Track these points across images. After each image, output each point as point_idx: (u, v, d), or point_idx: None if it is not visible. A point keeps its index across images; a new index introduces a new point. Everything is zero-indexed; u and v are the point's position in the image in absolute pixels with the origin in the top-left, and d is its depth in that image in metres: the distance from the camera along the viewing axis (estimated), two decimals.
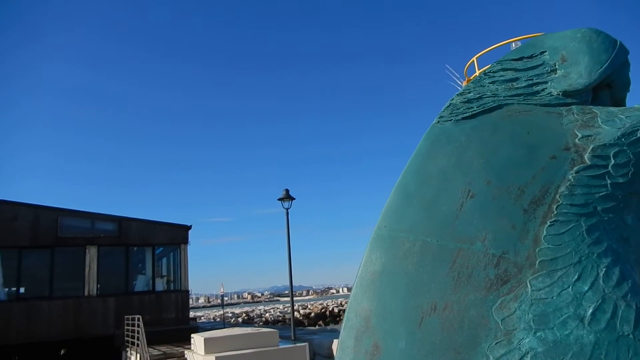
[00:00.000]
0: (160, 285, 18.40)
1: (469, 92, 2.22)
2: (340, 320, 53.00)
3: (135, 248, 18.34)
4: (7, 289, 16.44)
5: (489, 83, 2.24)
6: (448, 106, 2.21)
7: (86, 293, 16.75)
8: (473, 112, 2.14)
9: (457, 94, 2.22)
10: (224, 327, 18.85)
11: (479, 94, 2.19)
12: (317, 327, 43.24)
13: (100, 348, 16.30)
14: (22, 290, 16.80)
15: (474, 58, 8.26)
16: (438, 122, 2.18)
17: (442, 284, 1.81)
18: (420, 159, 2.11)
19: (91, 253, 17.16)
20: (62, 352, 16.83)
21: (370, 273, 1.94)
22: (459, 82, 8.83)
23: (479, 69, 8.38)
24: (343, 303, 67.37)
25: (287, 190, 17.14)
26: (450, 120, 2.16)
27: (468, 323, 1.72)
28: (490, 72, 2.29)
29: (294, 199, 17.26)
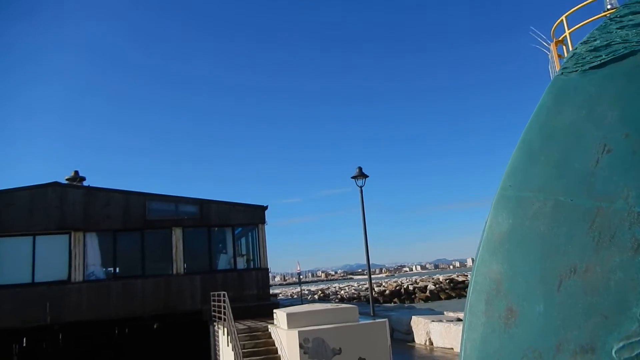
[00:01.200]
0: (241, 263, 19.16)
1: (595, 40, 2.01)
2: (416, 297, 52.64)
3: (216, 229, 19.17)
4: (105, 269, 17.84)
5: (617, 29, 2.01)
6: (572, 56, 2.02)
7: (174, 272, 17.83)
8: (602, 61, 1.94)
9: (581, 42, 2.02)
10: (302, 304, 19.34)
11: (607, 40, 1.98)
12: (392, 304, 43.25)
13: (189, 322, 17.34)
14: (118, 270, 18.18)
15: (563, 17, 7.64)
16: (562, 73, 2.00)
17: (581, 245, 1.68)
18: (544, 113, 1.96)
19: (177, 234, 18.17)
20: (155, 326, 18.07)
21: (498, 234, 1.84)
22: (546, 45, 8.22)
23: (568, 29, 7.74)
24: (418, 281, 66.78)
25: (360, 168, 17.08)
26: (576, 70, 1.97)
27: (615, 286, 1.59)
28: (616, 17, 2.05)
29: (367, 176, 17.17)
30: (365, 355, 11.89)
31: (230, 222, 19.11)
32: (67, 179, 19.69)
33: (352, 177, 17.11)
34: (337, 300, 48.25)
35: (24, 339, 18.53)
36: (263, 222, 19.45)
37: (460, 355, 1.84)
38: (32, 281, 16.40)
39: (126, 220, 17.83)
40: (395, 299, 50.55)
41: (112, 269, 18.11)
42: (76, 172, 20.16)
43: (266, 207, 19.66)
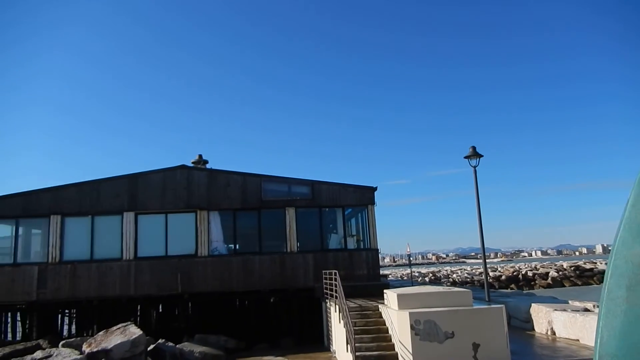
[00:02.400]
0: (351, 243, 19.45)
1: None
2: (536, 284, 49.35)
3: (327, 209, 19.63)
4: (226, 245, 19.25)
5: None
6: None
7: (288, 250, 18.67)
8: None
9: None
10: (412, 286, 19.13)
11: None
12: (509, 290, 41.03)
13: (303, 298, 18.10)
14: (237, 246, 19.51)
15: None
16: None
17: None
18: None
19: (290, 214, 18.95)
20: (272, 299, 19.15)
21: None
22: None
23: None
24: (538, 267, 62.45)
25: (473, 148, 16.27)
26: None
27: None
28: None
29: (482, 156, 16.30)
30: (480, 341, 11.45)
31: (340, 202, 19.44)
32: (192, 162, 21.45)
33: (465, 157, 16.35)
34: (448, 283, 47.01)
35: (160, 305, 20.82)
36: (372, 203, 19.49)
37: (596, 345, 1.66)
38: (166, 254, 18.28)
39: (244, 200, 19.00)
40: (512, 285, 47.86)
41: (232, 245, 19.48)
42: (200, 156, 21.87)
43: (375, 188, 19.65)
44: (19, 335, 20.11)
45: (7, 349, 15.69)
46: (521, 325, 16.87)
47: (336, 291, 14.01)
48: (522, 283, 49.26)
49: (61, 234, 18.22)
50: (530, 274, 52.80)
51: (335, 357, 14.55)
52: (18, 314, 20.31)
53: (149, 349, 14.66)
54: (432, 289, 13.99)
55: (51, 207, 18.41)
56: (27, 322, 20.00)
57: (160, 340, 15.61)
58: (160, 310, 21.26)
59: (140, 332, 13.91)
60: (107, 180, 19.03)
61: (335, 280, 14.06)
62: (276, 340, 17.75)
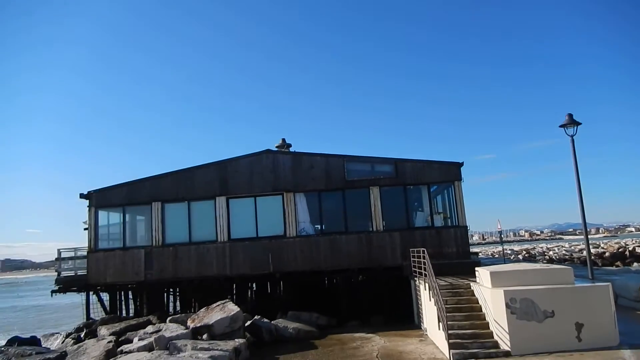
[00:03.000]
0: (438, 221, 19.02)
1: None
2: None
3: (412, 187, 19.31)
4: (313, 226, 19.66)
5: None
6: None
7: (374, 228, 18.68)
8: None
9: None
10: (505, 263, 18.36)
11: None
12: (614, 267, 38.04)
13: (391, 277, 18.09)
14: (324, 226, 19.85)
15: None
16: None
17: None
18: None
19: (374, 193, 18.91)
20: (360, 278, 19.34)
21: None
22: None
23: None
24: None
25: (570, 115, 15.09)
26: None
27: None
28: None
29: (580, 123, 15.08)
30: (584, 320, 10.81)
31: (425, 180, 19.04)
32: (276, 147, 22.05)
33: (561, 126, 15.19)
34: (544, 261, 44.54)
35: (254, 284, 21.86)
36: (459, 179, 18.87)
37: None
38: (257, 236, 19.09)
39: (328, 181, 19.24)
40: (618, 262, 44.21)
41: (318, 225, 19.86)
42: (283, 140, 22.42)
43: (461, 164, 18.97)
44: (131, 312, 22.15)
45: (123, 324, 17.38)
46: (630, 305, 15.67)
47: (425, 269, 13.84)
48: (630, 260, 45.32)
49: (162, 219, 19.69)
50: (638, 250, 48.39)
51: (426, 334, 14.45)
52: (130, 293, 22.34)
53: (246, 324, 15.50)
54: (527, 266, 13.37)
55: (152, 194, 19.91)
56: (138, 300, 21.96)
57: (256, 317, 16.43)
58: (254, 288, 22.34)
59: (238, 309, 14.73)
60: (199, 167, 20.14)
61: (424, 258, 13.88)
62: (366, 318, 17.96)
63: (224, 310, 14.82)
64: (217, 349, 11.65)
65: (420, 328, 15.59)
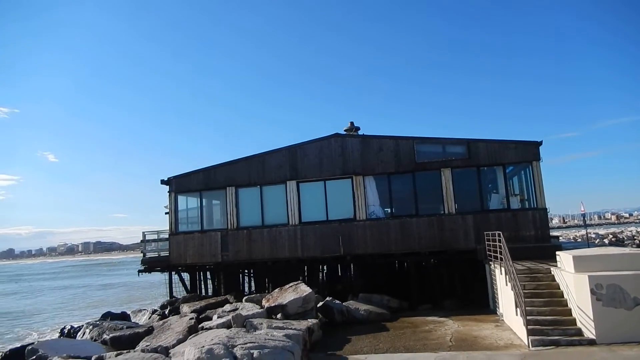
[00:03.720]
0: (514, 203, 18.23)
1: None
2: None
3: (486, 168, 18.60)
4: (382, 209, 19.56)
5: None
6: None
7: (446, 211, 18.26)
8: None
9: None
10: (588, 247, 17.27)
11: None
12: None
13: (464, 260, 17.64)
14: (393, 209, 19.68)
15: None
16: None
17: None
18: None
19: (445, 175, 18.44)
20: (432, 261, 19.03)
21: None
22: None
23: None
24: None
25: None
26: None
27: None
28: None
29: None
30: None
31: (500, 160, 18.25)
32: (345, 130, 22.04)
33: None
34: (634, 245, 41.41)
35: (324, 266, 22.20)
36: (537, 159, 17.90)
37: None
38: (327, 219, 19.32)
39: (398, 163, 19.00)
40: None
41: (388, 208, 19.72)
42: (352, 123, 22.33)
43: (540, 143, 17.98)
44: (210, 291, 23.35)
45: (202, 302, 18.40)
46: None
47: (501, 253, 13.36)
48: None
49: (236, 203, 20.47)
50: None
51: (502, 320, 14.00)
52: (208, 273, 23.52)
53: (318, 305, 15.82)
54: (614, 250, 12.51)
55: (226, 180, 20.73)
56: (215, 280, 23.09)
57: (327, 298, 16.72)
58: (325, 271, 22.70)
59: (310, 290, 15.06)
60: (270, 153, 20.63)
61: (500, 241, 13.40)
62: (438, 302, 17.71)
63: (296, 291, 15.21)
64: (291, 328, 12.00)
65: (496, 313, 15.13)
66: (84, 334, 16.23)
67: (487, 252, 15.79)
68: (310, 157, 19.95)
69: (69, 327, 18.04)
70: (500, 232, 13.60)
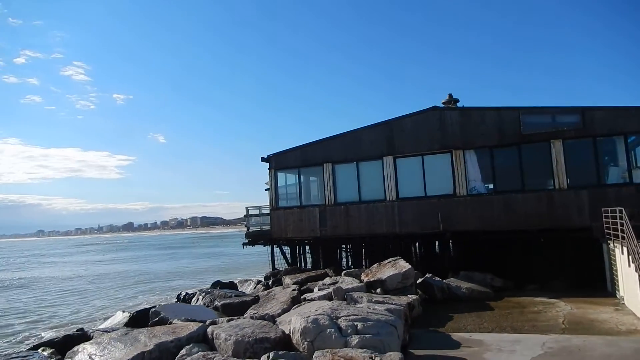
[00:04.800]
0: (638, 177, 16.44)
1: None
2: None
3: (603, 138, 16.91)
4: (484, 184, 18.68)
5: None
6: None
7: (556, 186, 16.98)
8: None
9: None
10: None
11: None
12: None
13: (576, 239, 16.35)
14: (496, 184, 18.69)
15: None
16: None
17: None
18: None
19: (556, 147, 17.09)
20: (541, 240, 17.87)
21: None
22: None
23: None
24: None
25: None
26: None
27: None
28: None
29: None
30: None
31: (620, 129, 16.46)
32: (443, 103, 21.23)
33: None
34: None
35: (422, 243, 21.83)
36: None
37: None
38: (425, 194, 18.91)
39: (501, 136, 17.95)
40: None
41: (490, 183, 18.79)
42: (450, 95, 21.43)
43: None
44: (309, 264, 24.11)
45: (303, 275, 19.08)
46: None
47: (622, 231, 12.19)
48: None
49: (333, 179, 20.74)
50: None
51: (623, 303, 12.87)
52: (307, 247, 24.27)
53: (417, 282, 15.67)
54: None
55: (323, 156, 21.04)
56: (314, 254, 23.76)
57: (427, 275, 16.48)
58: (422, 247, 22.36)
59: (409, 266, 14.95)
60: (365, 128, 20.53)
61: (622, 219, 12.22)
62: (546, 282, 16.67)
63: (395, 266, 15.17)
64: (391, 303, 12.03)
65: (615, 296, 13.92)
66: (197, 300, 17.60)
67: (606, 230, 14.48)
68: (406, 132, 19.54)
69: (184, 293, 19.63)
70: (622, 209, 12.38)
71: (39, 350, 11.40)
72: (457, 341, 10.22)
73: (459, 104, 21.02)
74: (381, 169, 19.76)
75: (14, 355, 10.84)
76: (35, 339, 17.26)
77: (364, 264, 21.32)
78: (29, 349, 12.05)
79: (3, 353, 12.71)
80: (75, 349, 10.47)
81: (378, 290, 14.58)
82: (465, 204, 18.20)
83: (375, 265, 16.22)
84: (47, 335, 17.33)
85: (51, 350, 11.46)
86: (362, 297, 12.84)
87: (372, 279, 14.92)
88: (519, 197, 17.45)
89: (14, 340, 18.06)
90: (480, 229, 17.87)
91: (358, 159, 20.37)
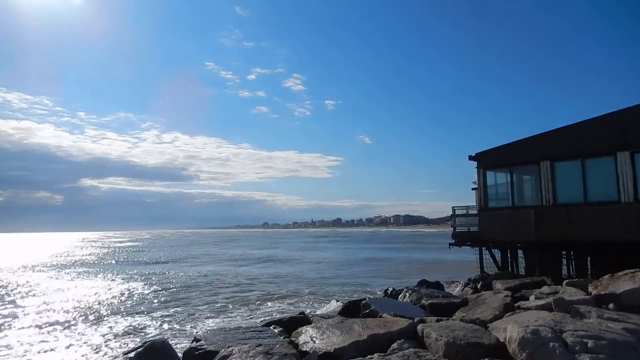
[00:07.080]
0: None
1: None
2: None
3: None
4: None
5: None
6: None
7: None
8: None
9: None
10: None
11: None
12: None
13: None
14: None
15: None
16: None
17: None
18: None
19: None
20: None
21: None
22: None
23: None
24: None
25: None
26: None
27: None
28: None
29: None
30: None
31: None
32: None
33: None
34: None
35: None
36: None
37: None
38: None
39: None
40: None
41: None
42: None
43: None
44: (521, 270, 22.30)
45: (517, 281, 17.72)
46: None
47: None
48: None
49: (552, 178, 18.75)
50: None
51: None
52: (519, 251, 22.49)
53: None
54: None
55: (539, 153, 19.19)
56: (528, 259, 21.87)
57: None
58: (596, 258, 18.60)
59: None
60: (591, 121, 18.06)
61: None
62: None
63: (634, 279, 12.96)
64: (629, 322, 10.31)
65: None
66: (404, 296, 17.92)
67: None
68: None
69: (391, 289, 20.21)
70: None
71: (271, 327, 13.15)
72: None
73: None
74: (613, 166, 17.08)
75: (252, 329, 12.75)
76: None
77: (590, 274, 18.75)
78: (262, 325, 13.99)
79: (244, 325, 15.05)
80: (299, 329, 11.78)
81: (610, 306, 12.66)
82: None
83: (606, 276, 14.12)
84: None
85: (280, 328, 13.08)
86: (590, 312, 11.31)
87: (602, 292, 13.03)
88: None
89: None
90: None
91: (583, 155, 18.01)
